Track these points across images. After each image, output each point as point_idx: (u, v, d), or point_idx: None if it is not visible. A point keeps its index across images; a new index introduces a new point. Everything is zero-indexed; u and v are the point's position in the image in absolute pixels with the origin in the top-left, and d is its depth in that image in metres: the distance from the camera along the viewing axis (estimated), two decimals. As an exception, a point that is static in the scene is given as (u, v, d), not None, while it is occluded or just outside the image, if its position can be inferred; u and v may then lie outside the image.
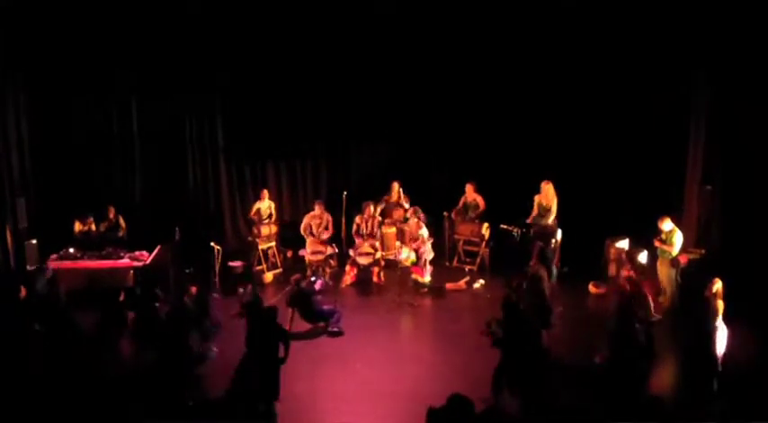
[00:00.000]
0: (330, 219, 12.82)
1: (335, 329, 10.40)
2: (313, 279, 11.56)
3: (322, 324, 10.49)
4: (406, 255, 12.38)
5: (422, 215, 12.48)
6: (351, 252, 12.62)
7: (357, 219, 12.73)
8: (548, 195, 12.44)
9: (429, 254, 12.42)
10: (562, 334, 9.86)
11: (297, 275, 10.83)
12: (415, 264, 12.42)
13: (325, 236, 12.69)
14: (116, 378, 8.74)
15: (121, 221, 12.82)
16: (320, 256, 12.57)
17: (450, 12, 12.80)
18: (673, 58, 11.82)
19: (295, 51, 13.35)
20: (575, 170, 12.90)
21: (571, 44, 12.58)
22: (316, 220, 12.72)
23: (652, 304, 9.50)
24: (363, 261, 12.48)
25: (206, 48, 13.15)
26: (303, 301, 10.42)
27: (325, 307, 10.62)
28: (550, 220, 12.40)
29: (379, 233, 12.69)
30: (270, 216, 13.43)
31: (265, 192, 13.56)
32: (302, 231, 12.76)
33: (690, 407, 8.09)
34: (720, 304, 8.45)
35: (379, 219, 12.93)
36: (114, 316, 9.94)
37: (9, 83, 12.51)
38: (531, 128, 13.37)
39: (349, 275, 12.57)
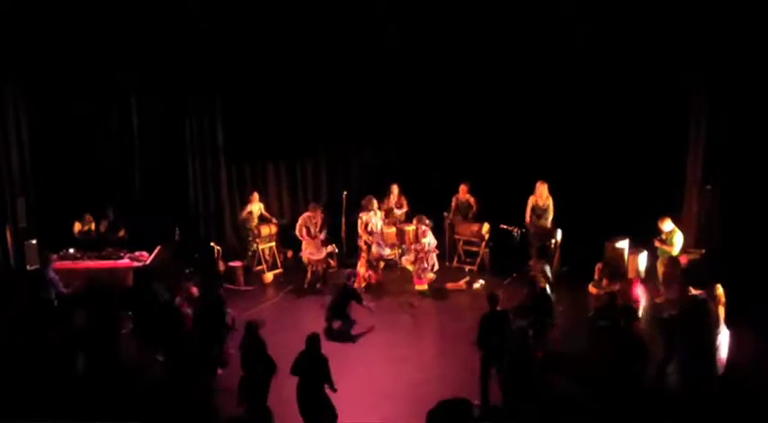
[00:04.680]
0: (323, 217, 12.76)
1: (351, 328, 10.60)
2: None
3: (338, 324, 10.56)
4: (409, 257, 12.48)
5: (427, 222, 12.42)
6: (371, 245, 12.47)
7: (363, 215, 12.62)
8: (543, 195, 12.44)
9: (434, 264, 12.37)
10: (562, 334, 9.85)
11: (350, 270, 11.25)
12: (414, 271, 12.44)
13: (321, 236, 12.67)
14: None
15: (120, 222, 12.82)
16: (319, 256, 12.55)
17: (448, 13, 12.79)
18: (673, 59, 11.81)
19: (295, 52, 13.33)
20: (575, 170, 12.90)
21: (571, 44, 12.56)
22: (311, 220, 12.69)
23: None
24: (387, 252, 12.49)
25: (206, 48, 13.15)
26: (345, 298, 10.56)
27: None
28: (548, 220, 12.40)
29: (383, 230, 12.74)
30: (262, 217, 13.41)
31: (256, 194, 13.56)
32: (297, 233, 12.67)
33: (690, 407, 8.11)
34: (721, 310, 8.48)
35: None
36: (107, 316, 9.96)
37: (9, 83, 12.51)
38: (532, 128, 13.36)
39: (365, 278, 12.50)
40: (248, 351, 8.08)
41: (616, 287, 10.92)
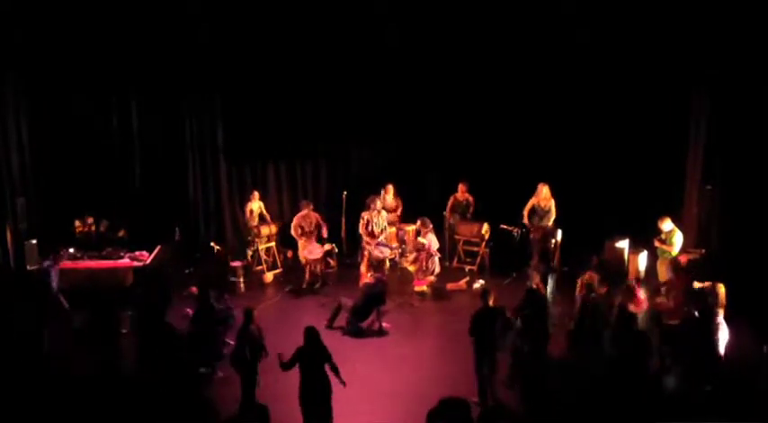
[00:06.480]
0: (319, 217, 12.77)
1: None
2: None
3: (364, 323, 10.60)
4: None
5: (430, 225, 12.34)
6: (368, 246, 12.43)
7: (365, 215, 12.59)
8: (545, 197, 12.43)
9: (435, 269, 12.37)
10: (561, 334, 9.83)
11: (379, 274, 11.20)
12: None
13: (323, 234, 12.65)
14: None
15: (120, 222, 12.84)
16: (317, 255, 12.54)
17: (448, 13, 12.80)
18: (673, 59, 11.81)
19: (295, 52, 13.35)
20: (575, 170, 12.90)
21: (571, 44, 12.57)
22: (305, 220, 12.67)
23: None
24: (382, 254, 12.44)
25: (206, 48, 13.15)
26: (369, 303, 10.54)
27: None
28: (550, 221, 12.39)
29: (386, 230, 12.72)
30: (261, 216, 13.42)
31: (256, 193, 13.56)
32: (293, 232, 12.69)
33: (688, 406, 8.11)
34: (720, 311, 8.50)
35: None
36: (106, 316, 9.95)
37: (9, 83, 12.51)
38: (532, 128, 13.35)
39: (366, 278, 12.46)
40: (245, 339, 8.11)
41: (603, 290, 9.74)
